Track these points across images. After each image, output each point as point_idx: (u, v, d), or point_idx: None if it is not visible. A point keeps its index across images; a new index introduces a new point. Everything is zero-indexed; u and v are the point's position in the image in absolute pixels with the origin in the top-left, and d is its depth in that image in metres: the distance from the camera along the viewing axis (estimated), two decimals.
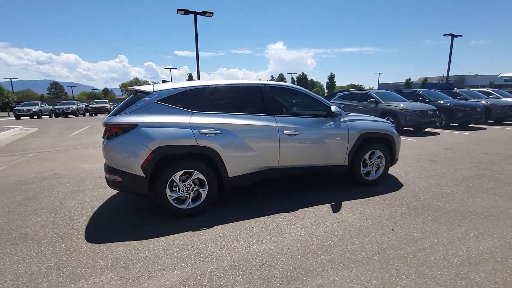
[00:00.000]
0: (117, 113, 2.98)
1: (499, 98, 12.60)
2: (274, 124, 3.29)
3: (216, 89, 3.25)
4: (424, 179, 4.24)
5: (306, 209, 3.20)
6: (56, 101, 37.40)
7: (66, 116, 24.08)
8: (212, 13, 16.03)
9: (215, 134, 2.99)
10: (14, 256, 2.34)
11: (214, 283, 1.96)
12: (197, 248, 2.41)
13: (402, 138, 4.89)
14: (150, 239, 2.57)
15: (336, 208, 3.20)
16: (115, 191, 3.83)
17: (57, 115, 24.14)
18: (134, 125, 2.83)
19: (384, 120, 4.39)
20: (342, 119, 3.71)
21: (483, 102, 11.43)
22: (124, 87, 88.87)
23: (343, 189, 3.84)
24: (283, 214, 3.08)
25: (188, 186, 2.97)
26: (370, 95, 10.21)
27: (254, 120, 3.22)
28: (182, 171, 2.93)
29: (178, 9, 15.47)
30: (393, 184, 4.03)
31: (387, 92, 11.31)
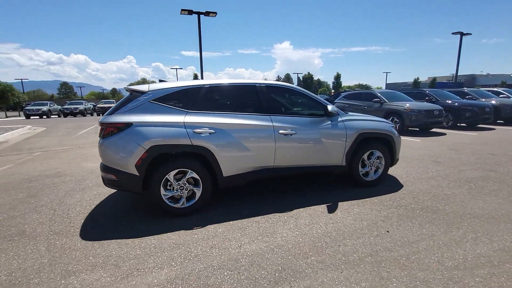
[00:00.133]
0: (112, 112, 3.01)
1: (509, 97, 12.26)
2: (270, 123, 3.27)
3: (210, 89, 3.25)
4: (426, 180, 4.15)
5: (301, 209, 3.17)
6: (65, 101, 38.20)
7: (74, 116, 24.54)
8: (215, 13, 16.07)
9: (210, 133, 2.99)
10: (10, 252, 2.39)
11: (202, 282, 1.96)
12: (188, 247, 2.42)
13: (407, 138, 4.79)
14: (143, 237, 2.59)
15: (331, 209, 3.16)
16: (113, 190, 3.87)
17: (65, 115, 24.64)
18: (129, 124, 2.85)
19: (384, 120, 4.31)
20: (339, 119, 3.66)
21: (492, 101, 11.14)
22: None
23: (342, 189, 3.79)
24: (278, 214, 3.06)
25: (183, 185, 2.98)
26: (374, 95, 10.08)
27: (249, 119, 3.21)
28: (177, 170, 2.94)
29: (182, 10, 15.55)
30: (393, 185, 3.95)
31: (393, 91, 11.14)
